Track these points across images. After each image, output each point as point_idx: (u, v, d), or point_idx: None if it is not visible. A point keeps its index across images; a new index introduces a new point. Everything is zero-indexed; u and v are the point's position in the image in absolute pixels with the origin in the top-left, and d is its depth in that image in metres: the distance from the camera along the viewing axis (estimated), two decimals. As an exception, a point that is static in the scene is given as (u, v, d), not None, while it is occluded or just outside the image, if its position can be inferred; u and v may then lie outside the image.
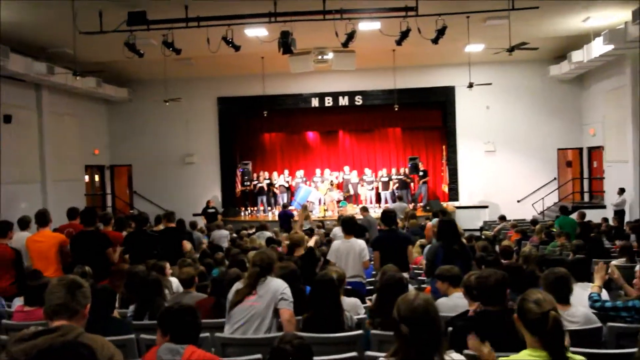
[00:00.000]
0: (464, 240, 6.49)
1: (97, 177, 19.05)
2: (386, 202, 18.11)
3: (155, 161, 19.18)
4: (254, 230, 12.73)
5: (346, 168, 19.34)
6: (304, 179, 18.91)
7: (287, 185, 18.86)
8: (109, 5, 10.30)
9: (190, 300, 5.05)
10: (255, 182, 18.78)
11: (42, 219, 6.87)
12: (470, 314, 3.68)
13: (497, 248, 8.22)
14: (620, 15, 12.23)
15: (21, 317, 4.63)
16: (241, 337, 3.83)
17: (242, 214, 18.36)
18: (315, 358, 2.77)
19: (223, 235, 11.50)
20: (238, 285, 4.09)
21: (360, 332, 3.99)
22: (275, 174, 19.17)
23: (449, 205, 17.48)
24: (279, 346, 2.65)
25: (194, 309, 3.19)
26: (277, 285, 4.02)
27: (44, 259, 6.60)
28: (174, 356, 2.96)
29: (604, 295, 4.57)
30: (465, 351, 3.17)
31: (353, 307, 4.69)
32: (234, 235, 11.98)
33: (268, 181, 18.78)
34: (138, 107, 18.99)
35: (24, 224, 7.43)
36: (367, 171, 19.18)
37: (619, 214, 14.04)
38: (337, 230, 6.78)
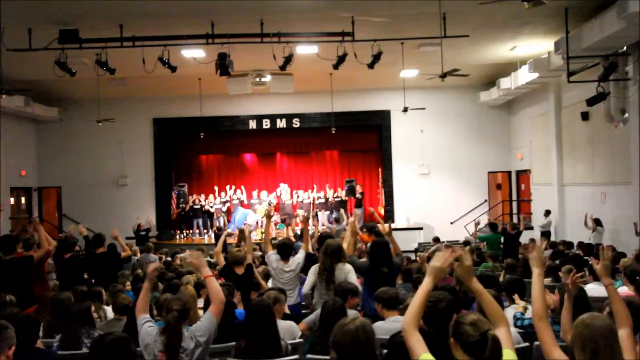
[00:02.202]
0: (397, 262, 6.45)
1: (23, 200, 18.22)
2: (323, 224, 18.17)
3: (86, 183, 18.54)
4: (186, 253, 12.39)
5: (283, 190, 19.30)
6: (241, 199, 18.80)
7: (224, 207, 18.65)
8: (39, 22, 9.99)
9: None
10: (190, 204, 18.50)
11: None
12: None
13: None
14: (544, 45, 12.90)
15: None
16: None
17: (178, 237, 18.01)
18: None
19: (151, 260, 10.97)
20: (156, 344, 3.62)
21: (296, 357, 3.96)
22: (211, 196, 18.94)
23: (385, 226, 17.68)
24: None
25: (128, 339, 3.02)
26: (192, 331, 3.69)
27: None
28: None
29: (529, 313, 4.69)
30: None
31: (289, 330, 4.65)
32: (169, 259, 11.65)
33: (203, 203, 18.54)
34: (69, 127, 18.37)
35: None
36: (303, 194, 19.21)
37: (546, 235, 14.63)
38: (271, 255, 6.66)
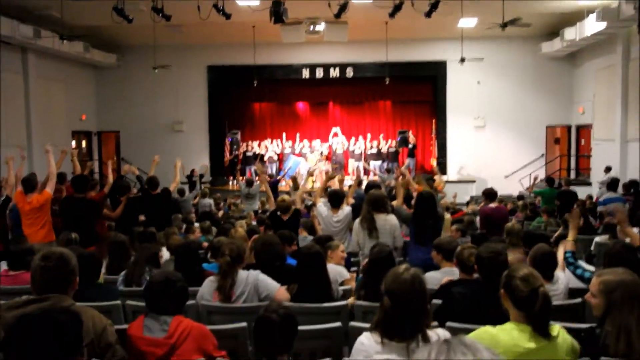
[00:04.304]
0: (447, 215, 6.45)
1: (84, 143, 18.89)
2: (375, 174, 18.15)
3: (143, 128, 19.03)
4: (240, 200, 12.72)
5: (334, 139, 19.33)
6: (292, 149, 18.96)
7: (276, 155, 18.88)
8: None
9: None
10: (244, 151, 18.80)
11: (28, 185, 6.81)
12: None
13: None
14: (614, -7, 12.19)
15: (7, 282, 4.64)
16: (227, 306, 3.85)
17: (230, 183, 18.37)
18: (300, 328, 2.80)
19: (206, 205, 11.43)
20: (212, 284, 3.97)
21: (345, 302, 4.03)
22: (266, 142, 19.20)
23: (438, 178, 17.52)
24: (264, 315, 2.68)
25: (177, 279, 3.16)
26: (255, 282, 3.92)
27: (33, 220, 6.62)
28: (162, 325, 2.95)
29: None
30: (449, 324, 3.22)
31: (336, 273, 4.73)
32: (221, 204, 11.99)
33: (257, 150, 18.80)
34: (126, 73, 18.75)
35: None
36: (357, 143, 19.17)
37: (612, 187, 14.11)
38: (321, 205, 6.79)
